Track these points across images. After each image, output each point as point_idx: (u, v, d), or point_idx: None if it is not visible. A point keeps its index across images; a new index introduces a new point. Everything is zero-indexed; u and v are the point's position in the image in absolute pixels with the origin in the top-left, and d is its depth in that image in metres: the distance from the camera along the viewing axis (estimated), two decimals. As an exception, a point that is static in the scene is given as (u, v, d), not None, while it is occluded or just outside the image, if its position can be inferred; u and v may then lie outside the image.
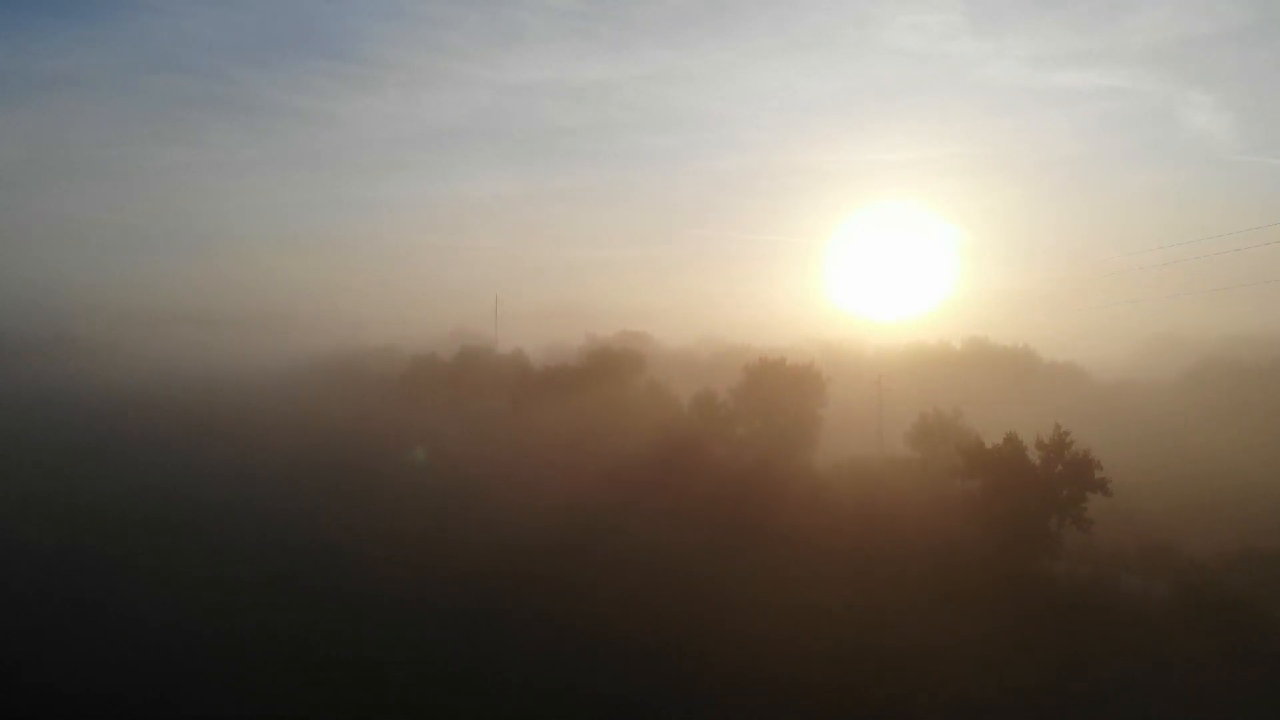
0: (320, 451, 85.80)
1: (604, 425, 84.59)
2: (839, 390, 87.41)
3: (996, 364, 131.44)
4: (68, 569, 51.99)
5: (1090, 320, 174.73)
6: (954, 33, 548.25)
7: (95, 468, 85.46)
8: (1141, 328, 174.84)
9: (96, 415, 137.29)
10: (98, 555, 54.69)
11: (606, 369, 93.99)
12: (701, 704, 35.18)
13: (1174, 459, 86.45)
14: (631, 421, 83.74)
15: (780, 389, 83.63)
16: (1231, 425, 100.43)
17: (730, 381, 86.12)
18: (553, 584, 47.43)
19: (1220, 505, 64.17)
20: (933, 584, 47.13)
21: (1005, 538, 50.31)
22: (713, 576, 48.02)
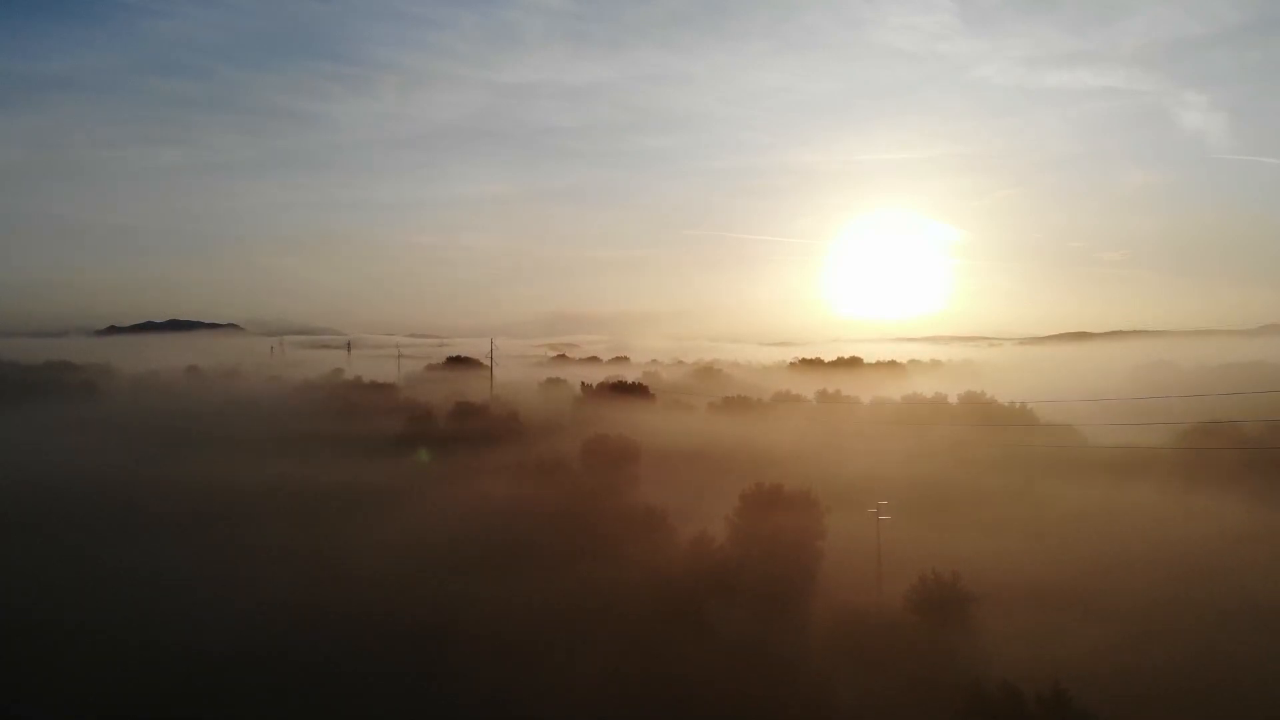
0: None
1: (599, 565, 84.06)
2: (837, 411, 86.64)
3: (993, 423, 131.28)
4: None
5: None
6: (947, 33, 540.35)
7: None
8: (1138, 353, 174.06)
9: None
10: None
11: (600, 484, 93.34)
12: None
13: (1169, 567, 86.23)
14: (628, 563, 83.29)
15: (777, 522, 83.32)
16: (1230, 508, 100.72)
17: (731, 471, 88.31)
18: None
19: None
20: None
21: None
22: None
